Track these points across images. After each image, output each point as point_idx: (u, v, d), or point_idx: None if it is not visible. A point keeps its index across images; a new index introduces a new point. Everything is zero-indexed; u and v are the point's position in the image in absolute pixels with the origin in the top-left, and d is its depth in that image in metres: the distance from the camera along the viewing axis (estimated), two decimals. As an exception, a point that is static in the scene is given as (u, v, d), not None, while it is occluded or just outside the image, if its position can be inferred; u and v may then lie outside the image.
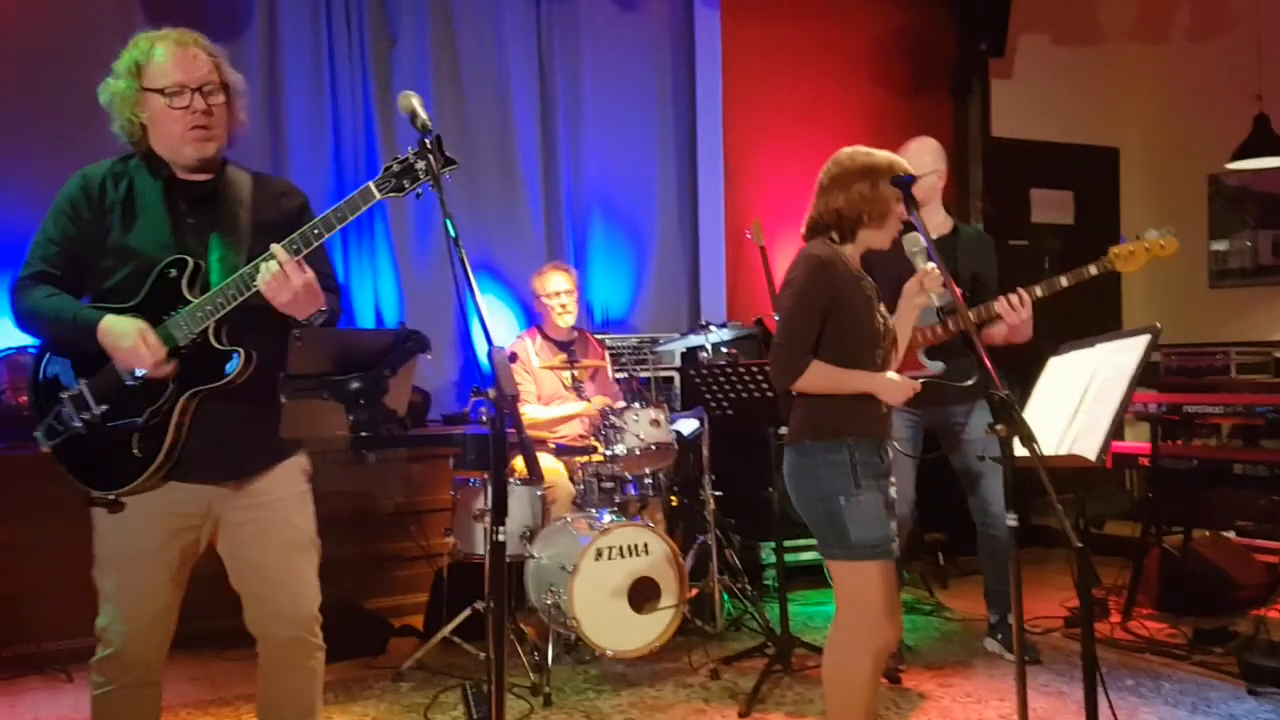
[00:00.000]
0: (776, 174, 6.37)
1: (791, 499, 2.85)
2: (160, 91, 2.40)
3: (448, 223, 2.13)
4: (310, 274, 2.33)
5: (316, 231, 2.36)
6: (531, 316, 5.60)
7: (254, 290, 2.34)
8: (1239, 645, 4.03)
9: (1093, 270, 3.85)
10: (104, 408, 2.39)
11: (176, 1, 5.06)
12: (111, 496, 2.39)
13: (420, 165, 2.30)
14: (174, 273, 2.40)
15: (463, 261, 2.04)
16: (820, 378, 2.71)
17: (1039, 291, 3.87)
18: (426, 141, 2.20)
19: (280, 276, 2.29)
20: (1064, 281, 3.87)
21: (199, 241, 2.46)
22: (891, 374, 2.76)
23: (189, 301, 2.38)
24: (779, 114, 6.36)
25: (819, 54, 6.61)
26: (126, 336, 2.34)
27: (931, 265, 2.78)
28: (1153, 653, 4.20)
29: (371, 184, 2.34)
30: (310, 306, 2.36)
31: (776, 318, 2.84)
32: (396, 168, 2.33)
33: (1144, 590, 4.74)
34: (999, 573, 4.19)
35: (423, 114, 2.21)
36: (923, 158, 4.12)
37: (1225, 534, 5.12)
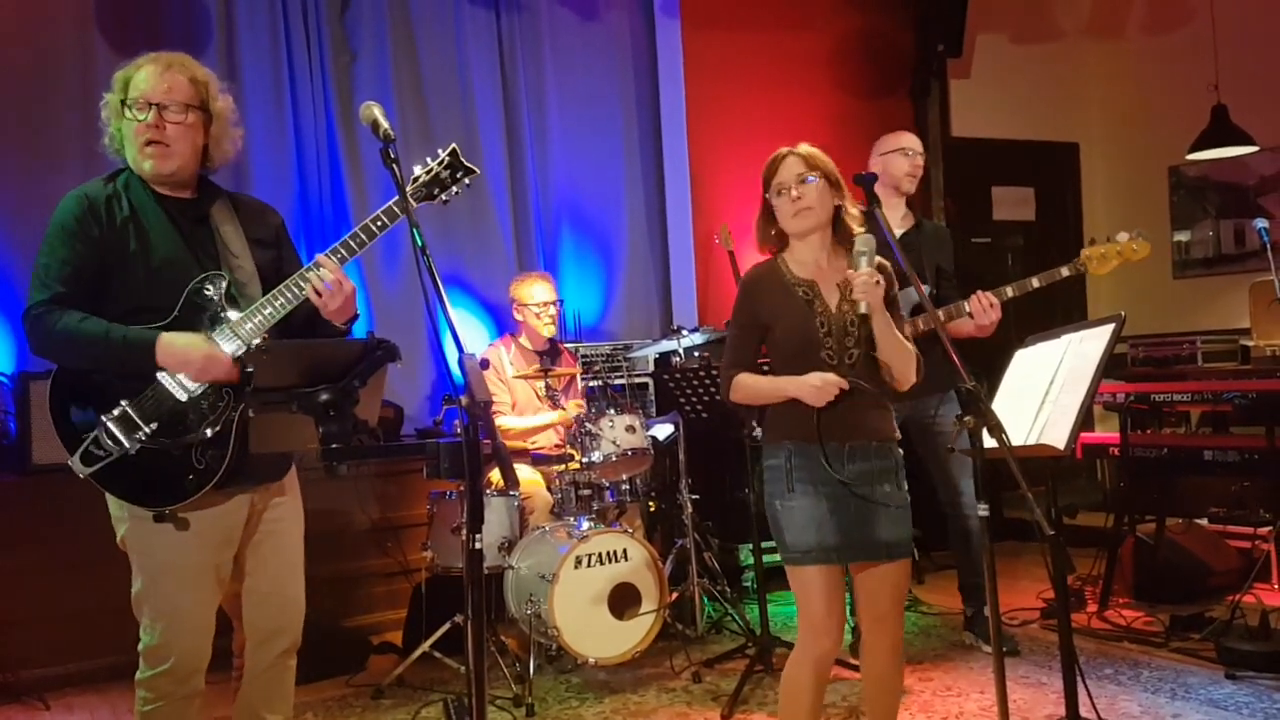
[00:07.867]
0: (742, 178, 6.35)
1: None
2: (130, 105, 2.45)
3: (414, 232, 2.13)
4: (352, 283, 2.48)
5: (359, 240, 2.51)
6: (503, 327, 5.57)
7: (302, 300, 2.42)
8: (1215, 631, 4.07)
9: (1065, 272, 3.91)
10: (154, 426, 2.38)
11: (133, 20, 5.04)
12: (167, 512, 2.38)
13: (446, 174, 2.54)
14: (210, 289, 2.44)
15: (430, 270, 2.04)
16: (745, 390, 2.79)
17: (1009, 292, 3.92)
18: (390, 151, 2.20)
19: (335, 285, 2.42)
20: (1035, 283, 3.93)
21: (209, 256, 2.50)
22: (816, 375, 2.64)
23: (226, 317, 2.43)
24: (742, 119, 6.39)
25: (779, 60, 6.65)
26: (196, 349, 2.36)
27: (861, 270, 2.58)
28: (1130, 641, 4.24)
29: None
30: (350, 312, 2.51)
31: None
32: (425, 177, 2.56)
33: (1119, 579, 4.77)
34: (972, 565, 4.21)
35: (384, 123, 2.23)
36: (912, 140, 4.28)
37: (1198, 521, 5.17)
